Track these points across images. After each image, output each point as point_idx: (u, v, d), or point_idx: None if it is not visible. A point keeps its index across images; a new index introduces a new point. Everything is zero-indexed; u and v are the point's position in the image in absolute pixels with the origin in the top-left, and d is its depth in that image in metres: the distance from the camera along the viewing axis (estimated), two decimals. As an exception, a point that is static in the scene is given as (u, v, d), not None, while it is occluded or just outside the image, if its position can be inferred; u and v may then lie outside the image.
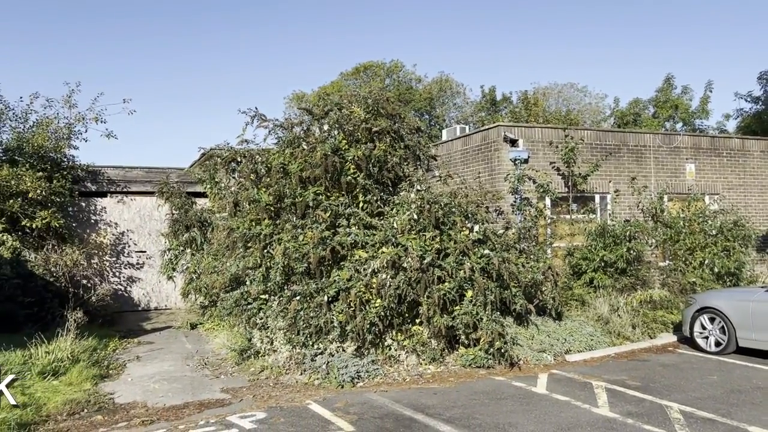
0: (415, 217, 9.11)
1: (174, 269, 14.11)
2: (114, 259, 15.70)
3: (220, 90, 67.83)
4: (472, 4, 62.93)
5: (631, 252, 12.70)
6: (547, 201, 13.69)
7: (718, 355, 10.02)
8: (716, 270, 13.36)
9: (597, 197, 14.65)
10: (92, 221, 15.56)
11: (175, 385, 8.71)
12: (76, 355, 9.65)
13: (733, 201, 16.01)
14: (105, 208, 15.73)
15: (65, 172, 14.67)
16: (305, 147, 9.54)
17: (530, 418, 6.89)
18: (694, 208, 14.61)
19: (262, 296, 9.81)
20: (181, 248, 14.05)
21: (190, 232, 13.73)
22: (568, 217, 13.98)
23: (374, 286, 8.80)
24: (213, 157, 11.23)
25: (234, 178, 10.45)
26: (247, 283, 10.07)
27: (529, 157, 13.74)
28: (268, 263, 9.40)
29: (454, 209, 9.52)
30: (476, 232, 9.40)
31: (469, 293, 9.10)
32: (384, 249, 9.06)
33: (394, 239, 9.07)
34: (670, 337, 11.45)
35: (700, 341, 10.42)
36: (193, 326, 13.29)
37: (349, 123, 9.67)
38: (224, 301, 10.45)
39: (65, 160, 14.98)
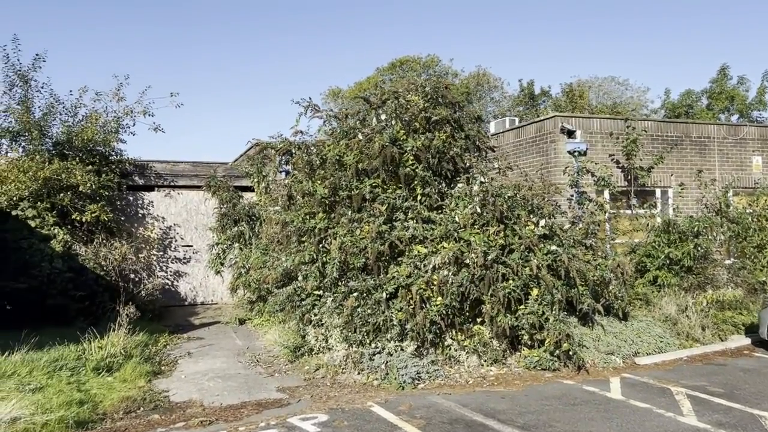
0: (479, 210, 8.66)
1: (222, 264, 13.94)
2: (161, 253, 15.62)
3: (254, 85, 68.21)
4: (511, -4, 61.82)
5: (699, 249, 12.02)
6: (606, 195, 13.09)
7: (801, 360, 9.34)
8: (789, 268, 12.59)
9: (658, 191, 13.97)
10: (140, 215, 15.51)
11: (230, 383, 8.45)
12: (129, 351, 9.50)
13: (804, 195, 15.09)
14: (152, 202, 15.66)
15: (113, 166, 14.62)
16: (361, 138, 9.16)
17: (612, 427, 6.40)
18: (763, 202, 13.82)
19: (316, 292, 9.49)
20: (229, 243, 13.87)
21: (239, 227, 13.53)
22: (628, 212, 13.37)
23: (435, 283, 8.39)
24: (266, 149, 10.97)
25: (284, 171, 10.15)
26: (300, 278, 9.77)
27: (587, 149, 13.16)
28: (324, 258, 9.06)
29: (518, 203, 9.04)
30: (542, 226, 8.90)
31: (535, 292, 8.63)
32: (444, 244, 8.63)
33: (456, 234, 8.64)
34: (742, 340, 10.78)
35: (779, 345, 9.74)
36: (242, 321, 13.09)
37: (406, 112, 9.26)
38: (276, 296, 10.17)
39: (113, 153, 14.93)
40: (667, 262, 11.97)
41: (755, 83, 26.47)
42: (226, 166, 16.53)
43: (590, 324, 9.80)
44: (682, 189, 13.50)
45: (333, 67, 63.88)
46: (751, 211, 13.59)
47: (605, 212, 12.47)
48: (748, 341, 10.71)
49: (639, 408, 7.06)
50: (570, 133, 13.21)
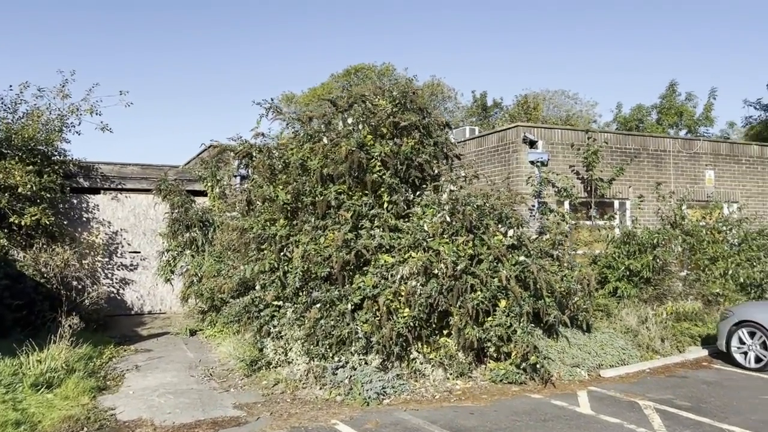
0: (448, 219, 8.41)
1: (172, 271, 13.26)
2: (106, 259, 14.80)
3: (205, 92, 66.79)
4: (464, 8, 62.60)
5: (657, 261, 12.12)
6: (566, 206, 13.10)
7: (760, 372, 9.42)
8: (741, 280, 12.85)
9: (616, 203, 14.08)
10: (84, 219, 14.66)
11: (183, 400, 7.91)
12: (71, 365, 8.81)
13: (753, 209, 15.54)
14: (98, 205, 14.84)
15: (56, 167, 13.76)
16: (327, 142, 8.79)
17: (587, 445, 6.22)
18: (716, 215, 14.11)
19: (276, 303, 9.03)
20: (180, 249, 13.22)
21: (191, 233, 12.91)
22: (588, 223, 13.41)
23: (403, 294, 8.09)
24: (224, 152, 10.46)
25: (239, 175, 9.68)
26: (258, 287, 9.29)
27: (548, 159, 13.14)
28: (285, 267, 8.63)
29: (486, 212, 8.84)
30: (510, 236, 8.72)
31: (503, 303, 8.42)
32: (413, 254, 8.35)
33: (424, 243, 8.36)
34: (700, 351, 10.87)
35: (738, 357, 9.82)
36: (193, 332, 12.45)
37: (374, 117, 8.95)
38: (231, 306, 9.65)
39: (56, 153, 14.07)
40: (627, 273, 12.02)
41: (702, 100, 27.27)
42: (177, 170, 15.85)
43: (555, 336, 9.68)
44: (640, 201, 13.63)
45: (286, 74, 63.23)
46: (705, 223, 13.84)
47: (566, 223, 12.45)
48: (705, 353, 10.80)
49: (610, 423, 6.91)
50: (532, 143, 13.17)
